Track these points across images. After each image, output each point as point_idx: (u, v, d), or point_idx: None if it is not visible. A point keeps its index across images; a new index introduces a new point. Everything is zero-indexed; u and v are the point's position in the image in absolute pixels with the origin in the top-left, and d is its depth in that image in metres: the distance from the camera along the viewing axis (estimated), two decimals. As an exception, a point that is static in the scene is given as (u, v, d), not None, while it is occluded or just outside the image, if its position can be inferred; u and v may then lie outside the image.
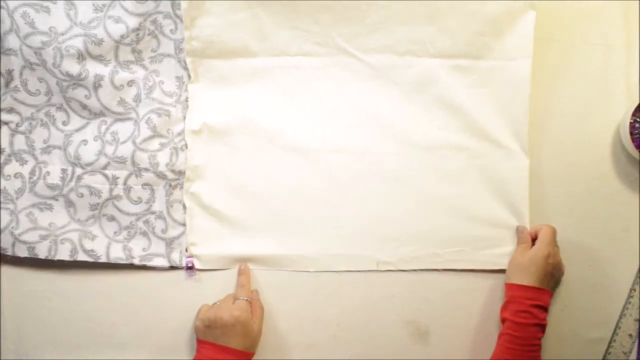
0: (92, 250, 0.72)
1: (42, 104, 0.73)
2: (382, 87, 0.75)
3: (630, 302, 0.77)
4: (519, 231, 0.75)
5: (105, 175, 0.72)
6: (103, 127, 0.73)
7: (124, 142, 0.72)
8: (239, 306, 0.68)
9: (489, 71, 0.75)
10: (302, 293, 0.74)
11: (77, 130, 0.73)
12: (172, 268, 0.73)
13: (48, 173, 0.72)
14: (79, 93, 0.71)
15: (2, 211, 0.71)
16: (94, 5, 0.72)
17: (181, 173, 0.73)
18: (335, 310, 0.74)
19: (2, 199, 0.71)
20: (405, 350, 0.74)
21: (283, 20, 0.73)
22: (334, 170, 0.75)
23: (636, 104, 0.75)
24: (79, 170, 0.72)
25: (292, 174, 0.75)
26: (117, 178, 0.72)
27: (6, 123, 0.73)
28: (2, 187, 0.72)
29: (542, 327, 0.70)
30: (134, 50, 0.73)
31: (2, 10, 0.68)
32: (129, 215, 0.73)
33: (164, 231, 0.73)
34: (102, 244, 0.72)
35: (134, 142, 0.72)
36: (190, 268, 0.73)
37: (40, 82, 0.72)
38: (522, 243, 0.74)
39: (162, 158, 0.72)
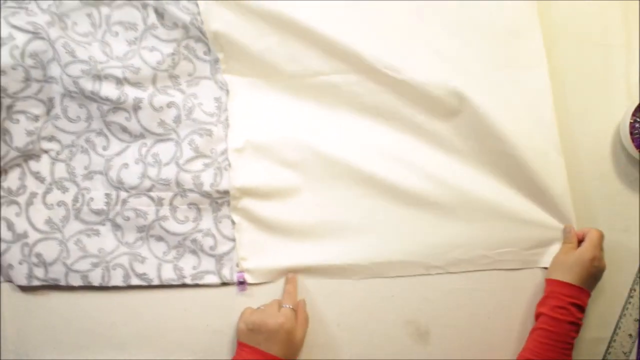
0: (144, 274, 0.72)
1: (82, 131, 0.73)
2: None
3: (630, 302, 0.77)
4: (567, 231, 0.75)
5: (151, 197, 0.72)
6: (144, 150, 0.73)
7: (167, 164, 0.72)
8: (284, 313, 0.68)
9: (511, 80, 0.77)
10: (302, 293, 0.74)
11: (117, 154, 0.73)
12: (224, 284, 0.73)
13: (92, 199, 0.72)
14: (120, 116, 0.71)
15: (50, 242, 0.71)
16: (127, 40, 0.73)
17: (226, 192, 0.73)
18: (335, 310, 0.74)
19: (49, 229, 0.71)
20: (405, 350, 0.74)
21: (312, 43, 0.73)
22: (380, 178, 0.75)
23: (636, 104, 0.76)
24: (123, 194, 0.72)
25: (338, 184, 0.75)
26: (163, 199, 0.72)
27: (46, 151, 0.72)
28: (47, 217, 0.71)
29: (577, 326, 0.70)
30: (170, 76, 0.74)
31: (44, 41, 0.69)
32: (177, 235, 0.72)
33: (212, 248, 0.73)
34: (153, 265, 0.72)
35: (177, 164, 0.72)
36: (242, 283, 0.73)
37: (81, 107, 0.72)
38: (568, 243, 0.75)
39: (206, 178, 0.72)
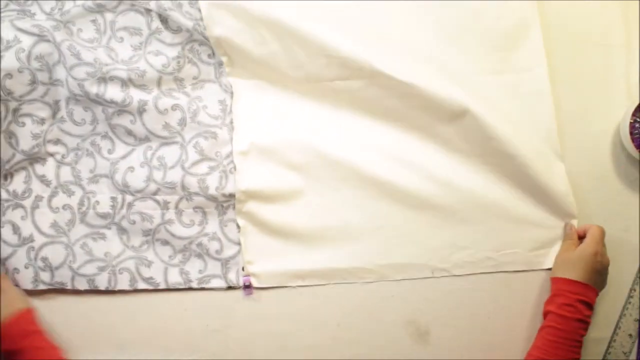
0: (151, 278, 0.72)
1: (87, 134, 0.73)
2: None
3: (630, 302, 0.77)
4: (567, 228, 0.76)
5: (157, 201, 0.72)
6: (149, 153, 0.73)
7: (172, 167, 0.72)
8: None
9: (509, 84, 0.78)
10: (302, 293, 0.74)
11: (123, 157, 0.73)
12: (230, 288, 0.73)
13: (97, 202, 0.72)
14: (124, 118, 0.72)
15: (56, 245, 0.71)
16: (132, 45, 0.73)
17: (232, 195, 0.73)
18: (335, 310, 0.75)
19: (55, 233, 0.71)
20: (405, 350, 0.74)
21: (315, 50, 0.73)
22: (384, 181, 0.75)
23: (636, 104, 0.76)
24: (129, 198, 0.72)
25: (342, 187, 0.76)
26: (168, 203, 0.72)
27: (52, 155, 0.72)
28: (52, 221, 0.71)
29: (586, 324, 0.70)
30: (175, 79, 0.74)
31: (50, 43, 0.69)
32: (182, 239, 0.73)
33: (219, 252, 0.73)
34: (159, 269, 0.72)
35: (182, 167, 0.72)
36: (247, 287, 0.73)
37: (86, 110, 0.72)
38: (568, 239, 0.75)
39: (212, 181, 0.73)
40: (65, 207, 0.72)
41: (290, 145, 0.75)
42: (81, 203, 0.72)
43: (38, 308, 0.71)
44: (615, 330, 0.77)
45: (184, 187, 0.72)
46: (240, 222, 0.74)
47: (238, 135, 0.75)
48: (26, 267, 0.70)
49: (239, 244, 0.74)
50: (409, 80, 0.73)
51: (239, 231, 0.74)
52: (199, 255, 0.73)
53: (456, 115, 0.74)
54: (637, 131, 0.76)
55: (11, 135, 0.70)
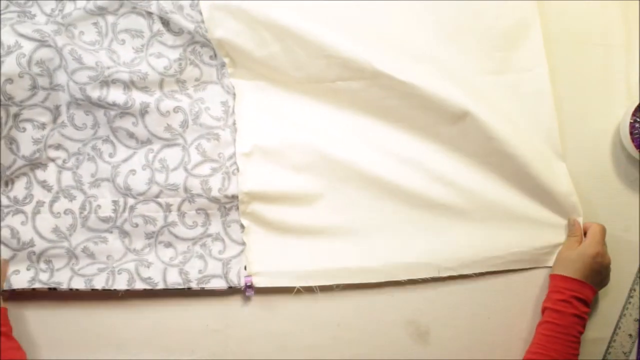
0: (149, 278, 0.71)
1: (88, 138, 0.73)
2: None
3: (630, 302, 0.77)
4: (571, 224, 0.76)
5: (159, 203, 0.72)
6: (151, 155, 0.72)
7: (174, 169, 0.72)
8: None
9: (510, 84, 0.78)
10: (302, 293, 0.74)
11: (124, 160, 0.73)
12: (231, 289, 0.73)
13: (99, 206, 0.72)
14: (126, 121, 0.71)
15: (57, 250, 0.71)
16: (133, 48, 0.73)
17: (234, 196, 0.73)
18: (335, 310, 0.75)
19: (56, 238, 0.71)
20: (405, 350, 0.75)
21: (316, 52, 0.73)
22: (388, 180, 0.75)
23: (636, 104, 0.76)
24: (131, 201, 0.72)
25: (347, 187, 0.76)
26: (171, 205, 0.72)
27: (53, 160, 0.72)
28: (54, 226, 0.71)
29: (583, 320, 0.70)
30: (178, 81, 0.74)
31: (51, 48, 0.69)
32: (186, 241, 0.73)
33: (221, 252, 0.73)
34: (158, 270, 0.72)
35: (185, 169, 0.72)
36: (249, 287, 0.72)
37: (87, 115, 0.72)
38: (572, 235, 0.75)
39: (214, 183, 0.72)
40: (67, 211, 0.72)
41: (293, 146, 0.75)
42: (83, 207, 0.72)
43: (39, 308, 0.72)
44: (615, 330, 0.77)
45: (186, 189, 0.72)
46: (244, 222, 0.73)
47: (241, 137, 0.75)
48: (28, 269, 0.70)
49: (242, 244, 0.73)
50: (409, 81, 0.73)
51: (242, 231, 0.73)
52: (201, 256, 0.73)
53: (457, 116, 0.74)
54: (637, 131, 0.76)
55: (12, 140, 0.70)
